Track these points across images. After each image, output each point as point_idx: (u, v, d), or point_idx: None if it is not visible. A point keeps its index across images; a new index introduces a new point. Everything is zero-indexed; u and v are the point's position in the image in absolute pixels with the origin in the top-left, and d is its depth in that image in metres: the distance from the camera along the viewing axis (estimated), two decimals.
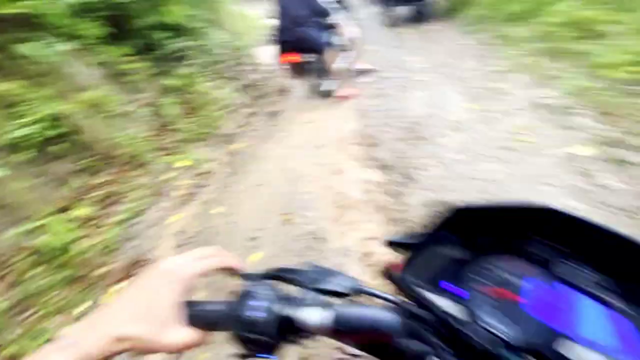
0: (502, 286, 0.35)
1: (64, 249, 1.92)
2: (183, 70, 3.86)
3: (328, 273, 0.38)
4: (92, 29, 2.79)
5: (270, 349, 0.33)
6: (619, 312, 0.31)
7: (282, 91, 3.97)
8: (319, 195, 2.15)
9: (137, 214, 2.35)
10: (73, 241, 1.97)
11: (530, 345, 0.30)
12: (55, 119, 2.33)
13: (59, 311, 1.67)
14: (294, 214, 2.03)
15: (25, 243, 1.89)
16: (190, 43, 4.09)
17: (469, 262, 0.38)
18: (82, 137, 2.49)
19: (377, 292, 0.37)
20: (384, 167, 2.27)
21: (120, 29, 3.29)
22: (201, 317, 0.35)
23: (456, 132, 2.31)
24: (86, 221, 2.16)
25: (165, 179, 2.73)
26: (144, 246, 2.13)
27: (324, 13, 3.46)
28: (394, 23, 5.16)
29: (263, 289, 0.35)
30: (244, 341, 0.33)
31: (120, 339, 0.30)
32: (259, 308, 0.33)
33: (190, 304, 0.35)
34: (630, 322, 0.30)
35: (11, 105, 2.16)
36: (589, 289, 0.33)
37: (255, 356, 0.34)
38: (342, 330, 0.33)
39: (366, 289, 0.37)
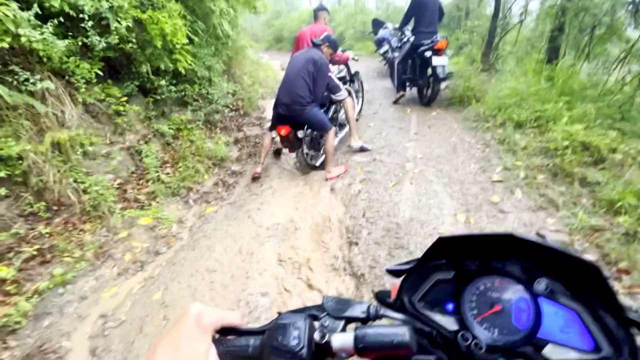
0: (488, 301, 0.45)
1: None
2: (179, 116, 3.77)
3: (347, 302, 0.44)
4: (84, 68, 2.71)
5: None
6: (568, 308, 0.42)
7: (276, 153, 3.82)
8: (272, 303, 1.84)
9: (67, 281, 2.03)
10: None
11: (508, 346, 0.41)
12: (9, 159, 2.13)
13: None
14: None
15: None
16: (193, 90, 4.06)
17: (457, 282, 0.48)
18: (39, 178, 2.27)
19: (390, 314, 0.44)
20: (354, 276, 1.97)
21: (118, 71, 3.25)
22: (232, 353, 0.39)
23: None
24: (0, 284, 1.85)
25: (119, 238, 2.45)
26: (57, 328, 1.78)
27: (333, 89, 3.40)
28: (400, 101, 5.13)
29: (294, 321, 0.39)
30: None
31: None
32: (294, 336, 0.37)
33: (219, 342, 0.40)
34: (576, 314, 0.41)
35: None
36: (547, 295, 0.43)
37: None
38: (364, 349, 0.37)
39: (381, 312, 0.43)
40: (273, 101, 3.22)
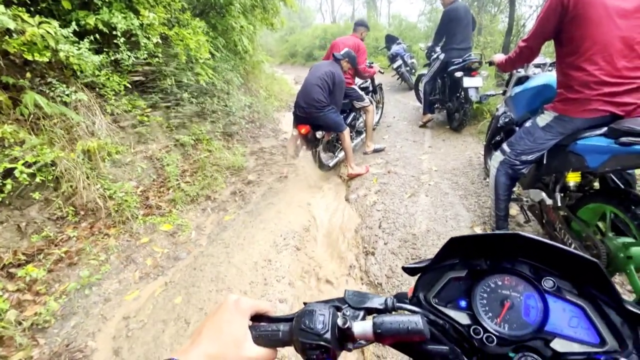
0: (498, 297, 0.48)
1: None
2: (198, 127, 3.91)
3: (366, 295, 0.49)
4: (114, 81, 2.87)
5: (330, 355, 0.41)
6: (575, 305, 0.45)
7: (292, 164, 3.90)
8: (291, 309, 1.86)
9: (92, 283, 2.11)
10: (3, 311, 1.72)
11: (517, 340, 0.44)
12: (42, 165, 2.25)
13: None
14: None
15: None
16: (212, 103, 4.21)
17: (469, 280, 0.51)
18: (69, 184, 2.39)
19: (404, 306, 0.47)
20: (372, 285, 1.98)
21: (143, 83, 3.41)
22: (264, 337, 0.44)
23: None
24: (30, 285, 1.94)
25: (141, 243, 2.53)
26: (83, 328, 1.84)
27: (357, 98, 3.71)
28: (421, 118, 4.75)
29: (320, 308, 0.44)
30: (308, 350, 0.41)
31: (210, 356, 0.40)
32: (319, 321, 0.42)
33: (254, 327, 0.45)
34: (582, 310, 0.44)
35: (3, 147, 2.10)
36: (554, 292, 0.46)
37: None
38: (381, 335, 0.41)
39: (396, 305, 0.47)
40: (288, 114, 3.46)
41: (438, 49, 4.34)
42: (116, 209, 2.59)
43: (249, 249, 2.39)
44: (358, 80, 4.07)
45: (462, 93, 3.88)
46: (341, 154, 3.65)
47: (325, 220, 2.68)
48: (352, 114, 3.84)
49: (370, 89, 4.46)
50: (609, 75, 1.46)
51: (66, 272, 2.09)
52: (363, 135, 4.07)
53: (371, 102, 4.01)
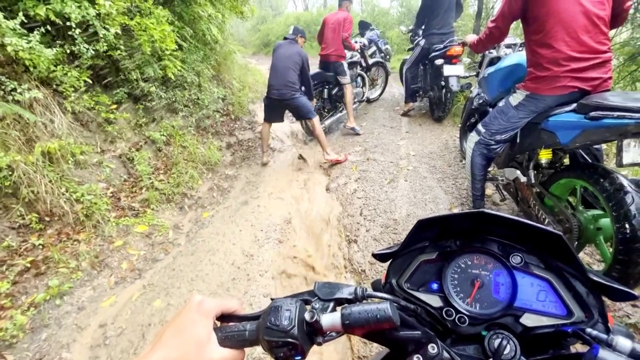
0: (468, 277, 0.48)
1: None
2: (170, 122, 3.74)
3: (336, 286, 0.46)
4: (72, 77, 2.67)
5: (298, 351, 0.39)
6: (542, 278, 0.45)
7: (270, 155, 3.82)
8: None
9: (63, 292, 1.99)
10: None
11: (489, 318, 0.44)
12: None
13: None
14: None
15: None
16: (183, 96, 4.04)
17: (440, 262, 0.51)
18: (30, 189, 2.22)
19: (374, 294, 0.45)
20: (356, 273, 1.98)
21: (106, 78, 3.21)
22: (230, 338, 0.42)
23: None
24: None
25: (115, 246, 2.41)
26: (56, 340, 1.74)
27: (340, 73, 3.92)
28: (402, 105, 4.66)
29: (286, 304, 0.41)
30: (275, 349, 0.39)
31: None
32: (285, 317, 0.39)
33: (220, 329, 0.43)
34: (549, 283, 0.45)
35: None
36: (521, 267, 0.46)
37: None
38: (350, 326, 0.39)
39: (366, 293, 0.45)
40: (263, 105, 3.45)
41: (420, 31, 4.16)
42: (85, 212, 2.45)
43: (229, 245, 2.33)
44: (347, 55, 4.24)
45: (444, 81, 3.68)
46: (329, 121, 4.00)
47: (306, 211, 2.65)
48: (337, 87, 4.10)
49: (363, 64, 4.62)
50: (575, 50, 1.49)
51: (33, 283, 1.96)
52: (341, 113, 4.38)
53: (352, 81, 4.29)
